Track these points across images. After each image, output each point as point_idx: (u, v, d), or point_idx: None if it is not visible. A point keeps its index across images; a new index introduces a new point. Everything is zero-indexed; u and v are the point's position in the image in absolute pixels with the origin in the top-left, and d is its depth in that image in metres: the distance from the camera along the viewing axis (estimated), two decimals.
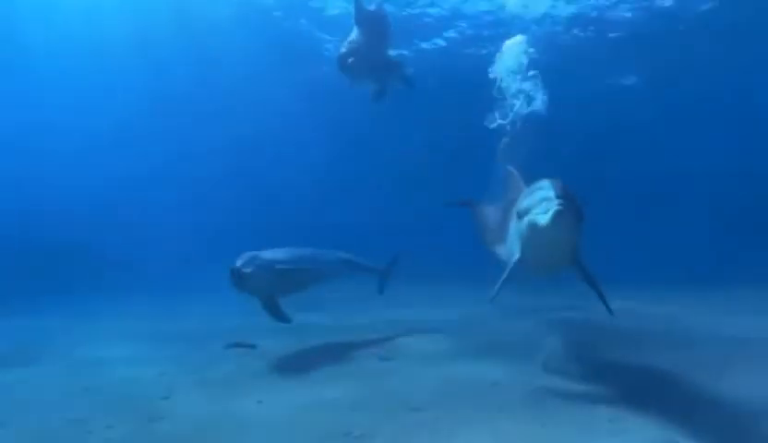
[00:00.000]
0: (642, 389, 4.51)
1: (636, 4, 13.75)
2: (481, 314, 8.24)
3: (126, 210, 19.04)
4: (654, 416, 3.86)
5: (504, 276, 4.83)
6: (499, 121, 7.80)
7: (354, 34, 7.58)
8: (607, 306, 4.66)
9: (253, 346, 6.49)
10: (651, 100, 16.30)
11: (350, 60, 7.29)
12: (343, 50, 7.37)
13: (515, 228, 4.66)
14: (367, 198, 20.10)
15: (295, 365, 5.63)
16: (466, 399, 4.38)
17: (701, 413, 3.98)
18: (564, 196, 4.04)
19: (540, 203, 4.13)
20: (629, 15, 14.11)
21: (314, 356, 5.96)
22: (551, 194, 4.07)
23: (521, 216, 4.40)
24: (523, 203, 4.39)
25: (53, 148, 18.65)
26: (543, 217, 4.05)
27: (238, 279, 5.69)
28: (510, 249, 4.90)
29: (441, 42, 15.84)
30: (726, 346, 5.88)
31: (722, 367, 4.97)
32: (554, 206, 3.98)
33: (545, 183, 4.28)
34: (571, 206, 4.02)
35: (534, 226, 4.18)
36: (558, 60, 14.86)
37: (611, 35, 14.73)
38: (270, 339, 6.81)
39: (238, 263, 5.77)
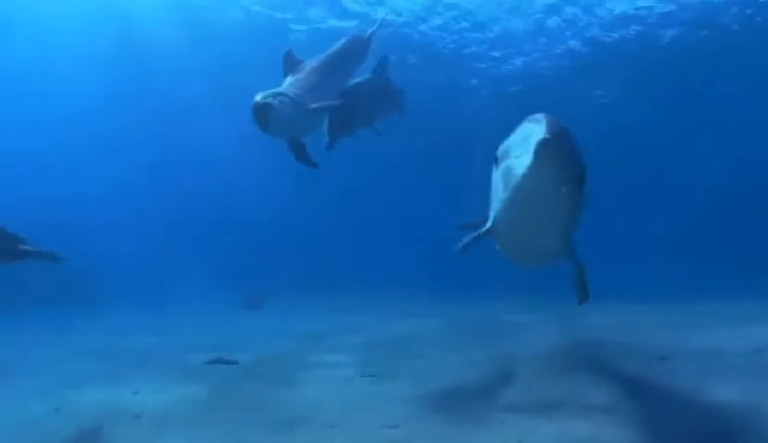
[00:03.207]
0: (621, 402, 4.45)
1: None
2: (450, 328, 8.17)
3: (99, 220, 18.95)
4: (634, 430, 3.80)
5: (471, 238, 3.97)
6: None
7: (293, 81, 6.07)
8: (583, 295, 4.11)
9: (234, 362, 6.38)
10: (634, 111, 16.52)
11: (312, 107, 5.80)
12: (285, 107, 5.56)
13: (492, 181, 3.56)
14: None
15: (274, 380, 5.52)
16: (444, 415, 4.30)
17: (681, 426, 3.90)
18: (559, 133, 2.93)
19: (524, 142, 3.04)
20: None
21: (294, 371, 5.85)
22: (541, 128, 2.96)
23: (498, 162, 3.29)
24: (505, 142, 3.28)
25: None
26: (524, 158, 2.94)
27: None
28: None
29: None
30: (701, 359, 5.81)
31: (698, 380, 4.90)
32: (540, 136, 2.87)
33: (538, 115, 3.14)
34: (566, 144, 2.94)
35: (511, 173, 3.09)
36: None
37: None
38: (251, 354, 6.73)
39: None
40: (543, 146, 2.84)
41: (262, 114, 5.38)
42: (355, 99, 6.45)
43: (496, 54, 15.48)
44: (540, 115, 3.11)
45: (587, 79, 16.00)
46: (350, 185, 19.60)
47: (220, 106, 15.94)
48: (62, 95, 17.95)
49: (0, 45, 15.93)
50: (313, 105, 5.84)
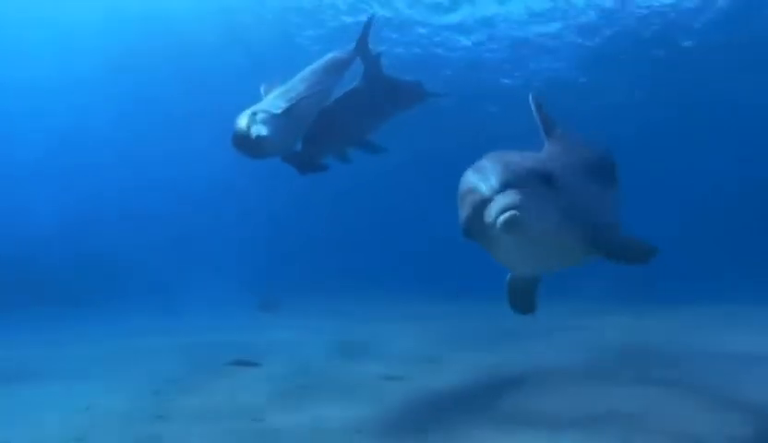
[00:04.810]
0: (651, 406, 4.41)
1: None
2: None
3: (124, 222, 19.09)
4: (664, 437, 3.77)
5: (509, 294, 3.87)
6: None
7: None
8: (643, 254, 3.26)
9: (256, 364, 6.41)
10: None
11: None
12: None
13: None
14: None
15: (297, 383, 5.52)
16: (471, 420, 4.26)
17: (711, 432, 3.85)
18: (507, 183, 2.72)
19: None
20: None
21: (317, 374, 5.87)
22: (485, 186, 2.74)
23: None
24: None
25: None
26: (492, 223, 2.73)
27: None
28: None
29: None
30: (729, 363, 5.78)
31: (729, 385, 4.87)
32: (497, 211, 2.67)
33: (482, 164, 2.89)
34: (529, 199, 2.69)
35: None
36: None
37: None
38: (273, 356, 6.77)
39: None
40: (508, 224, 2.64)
41: (254, 145, 5.02)
42: (333, 117, 6.00)
43: (508, 55, 15.45)
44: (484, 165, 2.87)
45: (601, 80, 15.96)
46: (360, 187, 19.63)
47: (235, 109, 15.98)
48: (78, 101, 18.12)
49: (22, 52, 16.07)
50: (291, 102, 5.48)
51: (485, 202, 2.71)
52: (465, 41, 15.19)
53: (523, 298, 3.93)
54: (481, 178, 2.78)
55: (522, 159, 2.98)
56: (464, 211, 2.83)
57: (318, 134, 5.82)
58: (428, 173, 19.81)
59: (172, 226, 19.90)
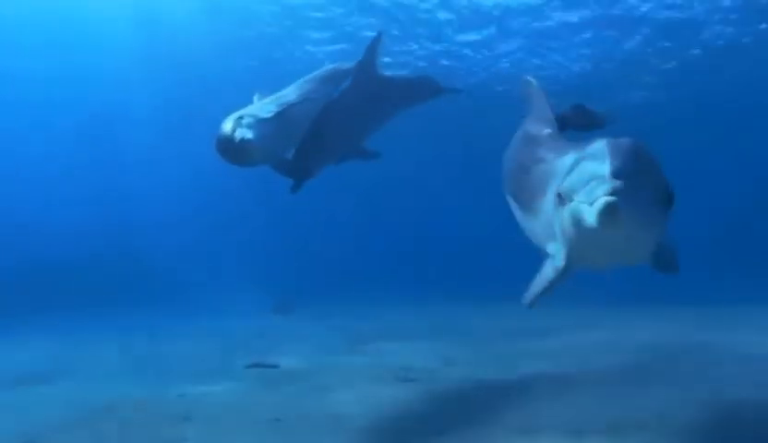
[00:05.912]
0: (674, 411, 4.32)
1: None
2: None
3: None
4: (688, 438, 3.76)
5: (543, 285, 3.44)
6: None
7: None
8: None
9: (275, 366, 6.48)
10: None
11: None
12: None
13: (554, 216, 3.07)
14: None
15: (314, 383, 5.58)
16: (490, 425, 4.23)
17: (738, 437, 3.83)
18: (627, 173, 2.53)
19: (587, 184, 2.60)
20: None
21: (332, 376, 5.90)
22: (605, 170, 2.56)
23: (562, 200, 2.80)
24: (568, 178, 2.80)
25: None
26: (589, 212, 2.53)
27: None
28: (549, 243, 3.42)
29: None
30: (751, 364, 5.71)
31: (755, 388, 4.80)
32: (604, 194, 2.47)
33: (600, 146, 2.74)
34: (638, 191, 2.51)
35: (578, 223, 2.66)
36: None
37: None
38: (289, 358, 6.83)
39: None
40: (607, 213, 2.46)
41: (238, 150, 4.71)
42: (325, 122, 5.71)
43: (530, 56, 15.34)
44: (602, 145, 2.74)
45: (622, 79, 15.83)
46: (362, 191, 19.68)
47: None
48: (101, 105, 18.23)
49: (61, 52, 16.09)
50: (281, 108, 5.29)
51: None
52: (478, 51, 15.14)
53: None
54: (609, 157, 2.65)
55: None
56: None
57: (310, 141, 5.61)
58: (432, 178, 19.82)
59: (187, 230, 20.09)
